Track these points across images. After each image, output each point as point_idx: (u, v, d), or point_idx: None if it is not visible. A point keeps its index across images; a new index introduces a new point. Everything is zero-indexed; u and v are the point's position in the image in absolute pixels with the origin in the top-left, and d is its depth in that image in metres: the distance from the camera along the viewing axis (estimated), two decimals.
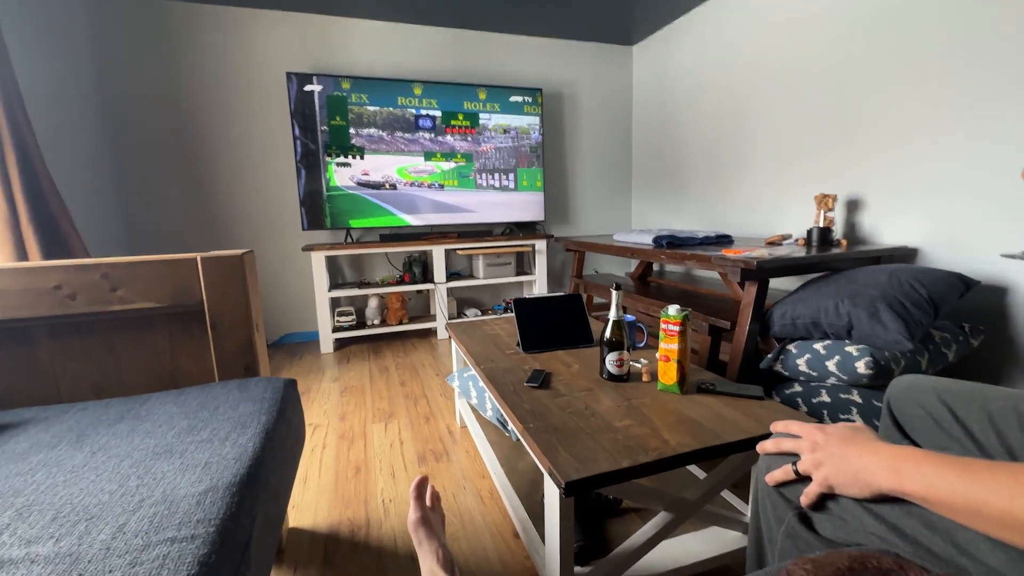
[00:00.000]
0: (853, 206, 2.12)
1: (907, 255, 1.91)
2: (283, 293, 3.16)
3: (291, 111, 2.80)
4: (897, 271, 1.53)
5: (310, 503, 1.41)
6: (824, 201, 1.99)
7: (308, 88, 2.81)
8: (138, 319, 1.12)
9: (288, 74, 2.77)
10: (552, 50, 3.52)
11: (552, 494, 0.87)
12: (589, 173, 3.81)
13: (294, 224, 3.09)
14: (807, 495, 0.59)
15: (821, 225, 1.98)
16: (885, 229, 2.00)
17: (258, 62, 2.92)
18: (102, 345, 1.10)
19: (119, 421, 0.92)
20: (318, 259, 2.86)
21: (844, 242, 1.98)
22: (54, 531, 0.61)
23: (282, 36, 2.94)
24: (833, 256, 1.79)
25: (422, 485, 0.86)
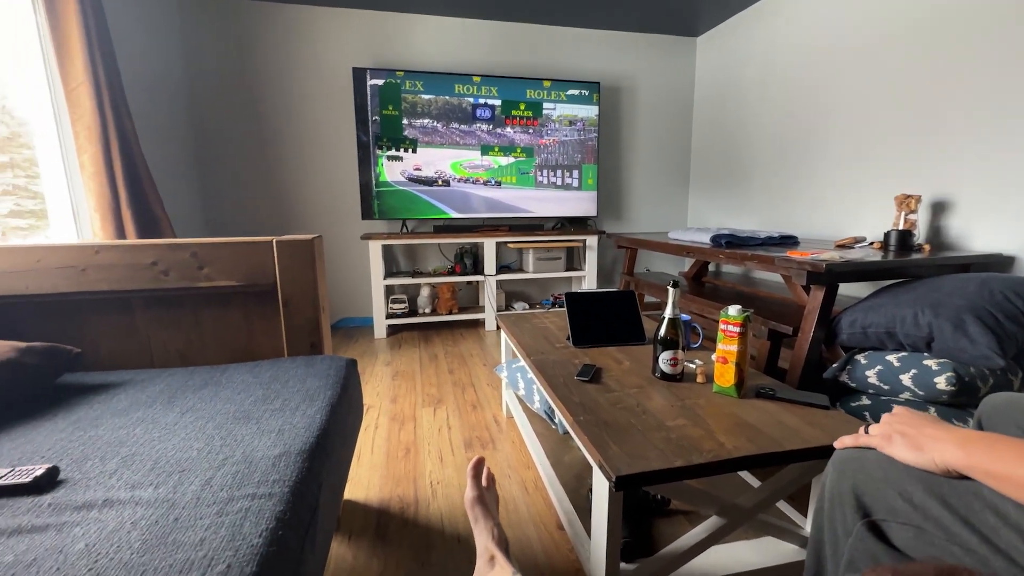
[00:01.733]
0: (939, 208, 1.95)
1: (1002, 263, 1.74)
2: (341, 279, 3.32)
3: (355, 105, 2.91)
4: (989, 280, 1.39)
5: (363, 478, 1.48)
6: (906, 202, 1.84)
7: (370, 82, 2.92)
8: (220, 295, 1.22)
9: (354, 69, 2.88)
10: (612, 43, 3.46)
11: (601, 488, 0.87)
12: (645, 169, 3.72)
13: (354, 213, 3.23)
14: (855, 439, 0.67)
15: (901, 227, 1.84)
16: (977, 234, 1.83)
17: (324, 57, 3.06)
18: (189, 317, 1.21)
19: (203, 387, 1.01)
20: (375, 248, 2.97)
21: (927, 247, 1.83)
22: (153, 479, 0.68)
23: (347, 32, 3.06)
24: (914, 262, 1.66)
25: (479, 465, 0.88)
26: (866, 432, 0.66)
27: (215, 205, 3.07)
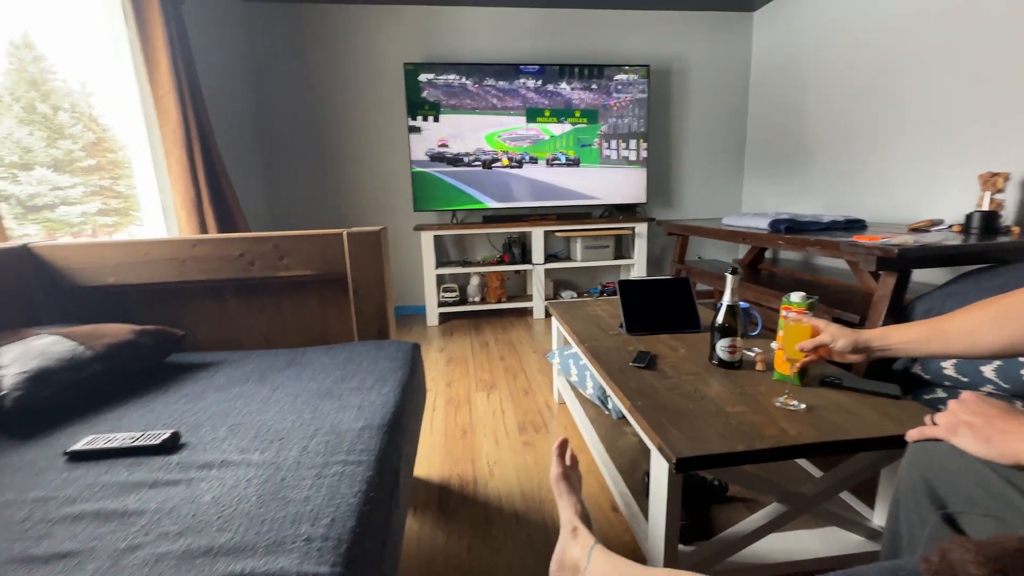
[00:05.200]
0: None
1: None
2: (396, 269, 3.45)
3: (406, 99, 3.00)
4: None
5: (425, 456, 1.57)
6: (992, 180, 1.71)
7: (419, 77, 2.98)
8: (297, 284, 1.33)
9: (404, 64, 2.97)
10: (661, 23, 3.35)
11: (660, 470, 0.89)
12: (696, 154, 3.60)
13: (407, 205, 3.34)
14: (920, 431, 0.66)
15: (986, 208, 1.71)
16: None
17: (377, 53, 3.16)
18: (272, 304, 1.33)
19: (288, 367, 1.11)
20: (427, 238, 3.07)
21: (1016, 229, 1.69)
22: (257, 445, 0.77)
23: (398, 28, 3.14)
24: (1000, 245, 1.54)
25: (564, 445, 0.93)
26: (932, 422, 0.65)
27: (280, 199, 3.27)
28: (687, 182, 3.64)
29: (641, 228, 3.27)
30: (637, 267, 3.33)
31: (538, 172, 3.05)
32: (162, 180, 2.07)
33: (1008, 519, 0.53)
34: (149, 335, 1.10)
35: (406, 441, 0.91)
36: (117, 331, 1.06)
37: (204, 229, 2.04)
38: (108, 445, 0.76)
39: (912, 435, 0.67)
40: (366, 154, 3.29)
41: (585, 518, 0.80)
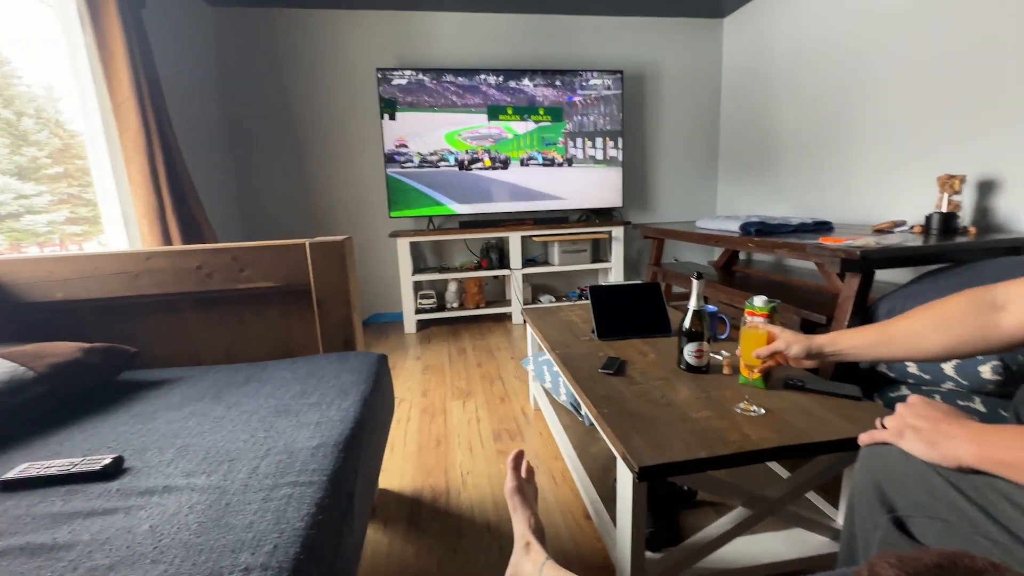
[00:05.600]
0: (986, 188, 1.84)
1: None
2: (372, 276, 3.41)
3: (379, 104, 2.97)
4: None
5: (397, 469, 1.55)
6: (949, 183, 1.76)
7: (392, 82, 2.96)
8: (259, 296, 1.29)
9: (378, 69, 2.94)
10: (633, 29, 3.39)
11: (625, 479, 0.89)
12: (670, 157, 3.65)
13: (382, 211, 3.30)
14: (870, 435, 0.66)
15: (944, 210, 1.76)
16: None
17: (349, 59, 3.12)
18: (232, 317, 1.29)
19: (247, 383, 1.08)
20: (403, 245, 3.04)
21: (973, 230, 1.74)
22: (205, 467, 0.74)
23: (371, 33, 3.11)
24: (958, 245, 1.59)
25: (519, 457, 0.92)
26: (882, 426, 0.66)
27: (251, 207, 3.20)
28: (663, 185, 3.68)
29: (618, 232, 3.29)
30: (615, 270, 3.35)
31: (512, 174, 3.07)
32: (123, 190, 2.00)
33: (952, 521, 0.53)
34: (98, 353, 1.05)
35: (365, 457, 0.88)
36: (63, 350, 1.01)
37: (167, 240, 1.98)
38: (44, 472, 0.72)
39: (863, 439, 0.68)
40: (340, 160, 3.24)
41: (539, 532, 0.79)
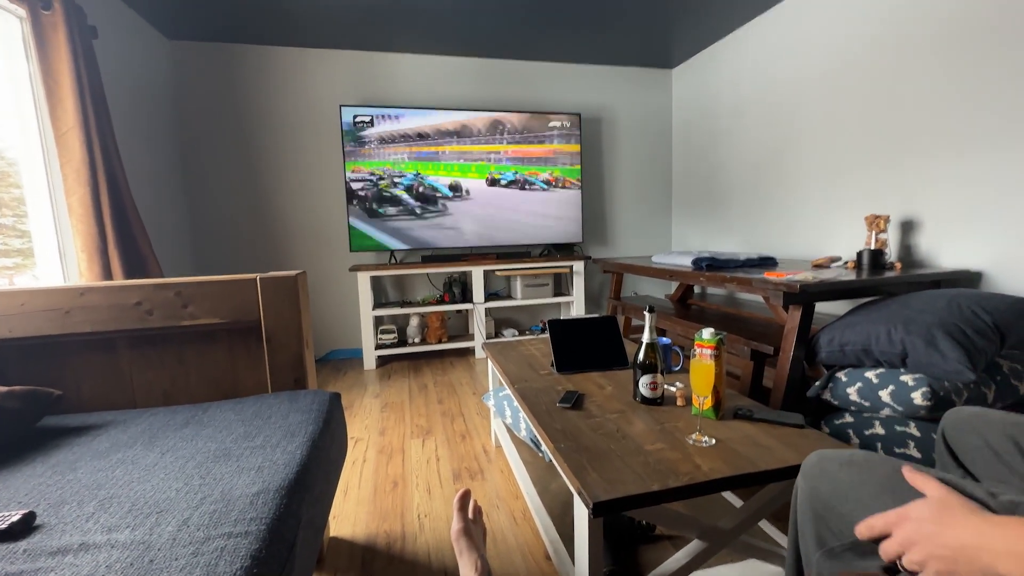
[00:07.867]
0: (908, 227, 2.02)
1: (970, 279, 1.80)
2: (331, 311, 3.32)
3: (342, 141, 2.98)
4: (957, 296, 1.44)
5: (350, 514, 1.47)
6: (875, 222, 1.91)
7: (356, 118, 3.00)
8: (204, 333, 1.23)
9: (341, 107, 2.97)
10: (591, 76, 3.60)
11: (581, 515, 0.88)
12: (628, 195, 3.81)
13: (343, 245, 3.26)
14: (885, 552, 0.50)
15: (872, 247, 1.90)
16: (945, 251, 1.89)
17: (312, 96, 3.15)
18: (173, 356, 1.22)
19: (185, 426, 1.01)
20: (364, 279, 3.00)
21: (898, 265, 1.89)
22: (130, 521, 0.69)
23: (335, 72, 3.16)
24: (886, 280, 1.71)
25: (465, 498, 0.89)
26: (882, 567, 0.53)
27: (204, 243, 3.09)
28: (621, 221, 3.82)
29: (578, 266, 3.36)
30: (576, 304, 3.41)
31: (475, 206, 3.19)
32: (62, 221, 1.90)
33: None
34: (16, 397, 0.97)
35: (310, 503, 0.84)
36: None
37: (108, 275, 1.88)
38: None
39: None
40: (300, 196, 3.20)
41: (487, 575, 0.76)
